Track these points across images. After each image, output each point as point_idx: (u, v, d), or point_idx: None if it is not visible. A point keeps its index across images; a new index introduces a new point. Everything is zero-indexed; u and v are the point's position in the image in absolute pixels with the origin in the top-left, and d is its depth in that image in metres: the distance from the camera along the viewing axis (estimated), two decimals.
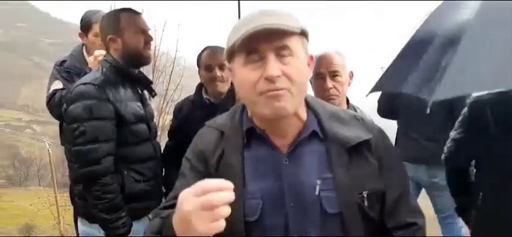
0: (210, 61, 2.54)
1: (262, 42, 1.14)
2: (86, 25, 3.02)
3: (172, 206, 1.15)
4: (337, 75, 2.13)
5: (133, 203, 2.21)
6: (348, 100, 2.27)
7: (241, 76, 1.19)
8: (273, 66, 1.13)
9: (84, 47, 3.11)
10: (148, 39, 2.28)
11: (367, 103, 3.56)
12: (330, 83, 2.11)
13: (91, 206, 2.12)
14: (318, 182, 1.20)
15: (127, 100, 2.22)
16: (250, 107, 1.26)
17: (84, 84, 2.15)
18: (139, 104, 2.30)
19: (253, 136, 1.27)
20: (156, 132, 2.48)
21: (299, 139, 1.24)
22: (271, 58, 1.14)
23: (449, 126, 3.42)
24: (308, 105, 1.30)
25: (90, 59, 2.83)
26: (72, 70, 2.98)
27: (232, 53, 1.21)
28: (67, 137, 2.22)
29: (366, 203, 1.21)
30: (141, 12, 2.34)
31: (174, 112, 2.78)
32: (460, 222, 3.61)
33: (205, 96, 2.62)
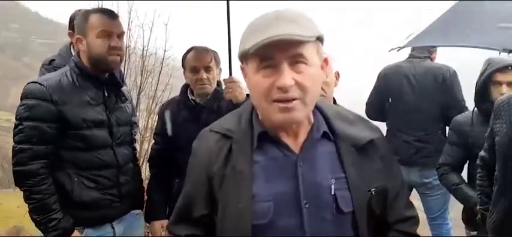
0: (195, 63, 2.50)
1: (276, 50, 1.13)
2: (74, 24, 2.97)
3: (184, 219, 1.30)
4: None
5: (86, 210, 2.12)
6: (334, 101, 2.24)
7: (254, 81, 1.19)
8: (287, 76, 1.13)
9: (72, 46, 3.05)
10: (114, 45, 2.13)
11: (357, 104, 3.55)
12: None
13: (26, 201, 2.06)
14: (333, 181, 1.22)
15: (81, 105, 2.10)
16: (261, 112, 1.25)
17: (34, 82, 2.07)
18: (98, 109, 2.17)
19: (265, 138, 1.26)
20: (127, 138, 2.34)
21: (311, 140, 1.25)
22: (285, 67, 1.14)
23: (440, 127, 3.44)
24: (315, 105, 1.30)
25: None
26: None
27: (245, 55, 1.20)
28: None
29: (373, 201, 1.24)
30: (117, 14, 2.23)
31: (158, 113, 2.74)
32: (450, 223, 3.63)
33: (190, 97, 2.58)
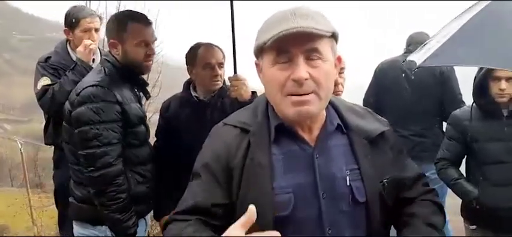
0: (210, 59, 2.50)
1: (292, 43, 1.15)
2: (72, 21, 2.95)
3: (191, 211, 1.23)
4: (342, 72, 2.19)
5: (138, 204, 2.21)
6: None
7: (269, 74, 1.21)
8: (302, 69, 1.15)
9: (68, 43, 3.03)
10: (150, 53, 2.24)
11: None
12: (338, 79, 2.12)
13: (102, 207, 2.10)
14: (347, 173, 1.25)
15: (130, 102, 2.20)
16: (276, 106, 1.26)
17: (92, 85, 2.11)
18: (138, 105, 2.28)
19: (282, 131, 1.27)
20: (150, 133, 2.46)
21: (325, 133, 1.28)
22: (301, 60, 1.16)
23: (437, 122, 3.48)
24: None
25: (79, 49, 2.81)
26: (58, 66, 2.92)
27: (261, 50, 1.22)
28: (74, 139, 2.16)
29: (385, 191, 1.27)
30: (151, 21, 2.29)
31: (160, 110, 2.72)
32: (447, 216, 3.67)
33: (194, 94, 2.57)
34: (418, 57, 1.74)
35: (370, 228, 1.25)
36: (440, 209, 1.36)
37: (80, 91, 2.12)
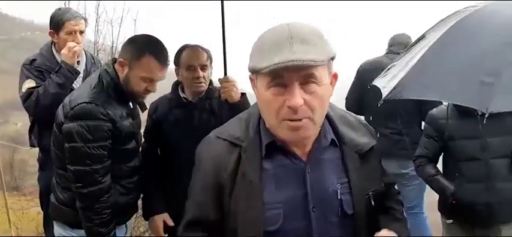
0: (192, 61, 2.52)
1: (289, 71, 1.12)
2: (57, 23, 2.94)
3: (195, 223, 1.29)
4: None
5: (117, 214, 2.23)
6: None
7: (264, 98, 1.20)
8: (297, 96, 1.13)
9: (53, 45, 3.02)
10: (150, 89, 2.22)
11: (338, 101, 3.65)
12: None
13: (87, 220, 2.12)
14: (338, 186, 1.27)
15: (122, 119, 2.20)
16: (271, 128, 1.25)
17: (87, 102, 2.09)
18: (130, 120, 2.27)
19: (274, 147, 1.27)
20: (141, 141, 2.50)
21: (319, 148, 1.29)
22: (296, 87, 1.14)
23: (417, 120, 3.60)
24: None
25: (63, 52, 2.80)
26: (43, 68, 2.91)
27: (256, 70, 1.20)
28: (63, 150, 2.16)
29: (372, 203, 1.31)
30: (167, 59, 2.23)
31: (149, 111, 2.71)
32: (425, 212, 3.81)
33: (182, 95, 2.59)
34: (383, 85, 1.73)
35: None
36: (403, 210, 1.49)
37: (74, 106, 2.10)
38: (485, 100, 1.35)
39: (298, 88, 1.14)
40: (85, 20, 3.09)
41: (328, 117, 1.33)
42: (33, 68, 2.91)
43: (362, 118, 1.63)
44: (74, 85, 2.83)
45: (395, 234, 1.27)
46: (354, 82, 3.85)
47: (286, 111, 1.16)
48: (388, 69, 1.85)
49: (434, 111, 2.89)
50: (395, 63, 1.86)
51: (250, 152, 1.26)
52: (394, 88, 1.51)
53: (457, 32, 1.59)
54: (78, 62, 2.92)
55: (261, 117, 1.30)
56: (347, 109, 3.72)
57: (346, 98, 3.91)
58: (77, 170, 2.09)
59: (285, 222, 1.23)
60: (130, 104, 2.31)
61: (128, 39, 2.29)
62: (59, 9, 3.04)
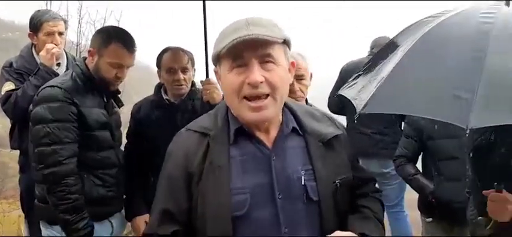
0: (172, 64, 2.53)
1: (247, 50, 1.24)
2: (36, 25, 2.92)
3: (161, 219, 1.32)
4: (302, 79, 2.26)
5: (94, 206, 2.22)
6: (306, 100, 2.35)
7: (227, 80, 1.29)
8: (256, 73, 1.24)
9: (33, 47, 3.00)
10: (120, 76, 2.26)
11: (322, 100, 3.70)
12: (296, 86, 2.22)
13: (53, 207, 2.11)
14: (303, 173, 1.32)
15: (91, 107, 2.22)
16: (234, 110, 1.33)
17: (51, 86, 2.15)
18: (103, 111, 2.29)
19: (240, 134, 1.34)
20: (121, 139, 2.49)
21: (282, 135, 1.35)
22: (255, 65, 1.24)
23: (398, 121, 3.66)
24: (284, 103, 1.39)
25: (42, 54, 2.80)
26: (23, 70, 2.89)
27: (218, 57, 1.30)
28: (32, 138, 2.19)
29: (338, 191, 1.35)
30: (134, 47, 2.28)
31: (132, 113, 2.71)
32: (406, 211, 3.87)
33: (165, 97, 2.60)
34: (353, 96, 1.65)
35: (323, 226, 1.31)
36: (383, 208, 1.52)
37: (40, 92, 2.17)
38: (463, 116, 1.36)
39: (257, 66, 1.24)
40: (65, 21, 3.07)
41: (291, 110, 1.41)
42: (12, 70, 2.89)
43: (331, 114, 1.66)
44: None
45: (353, 235, 1.30)
46: (336, 81, 3.90)
47: (247, 88, 1.25)
48: (356, 77, 1.83)
49: None
50: (361, 71, 1.85)
51: (218, 139, 1.33)
52: (367, 103, 1.51)
53: (425, 45, 1.58)
54: (58, 64, 2.91)
55: (228, 107, 1.37)
56: (329, 108, 3.84)
57: (328, 98, 3.96)
58: (38, 151, 2.11)
59: (252, 208, 1.27)
60: (105, 98, 2.33)
61: (97, 31, 2.37)
62: (38, 10, 3.03)
